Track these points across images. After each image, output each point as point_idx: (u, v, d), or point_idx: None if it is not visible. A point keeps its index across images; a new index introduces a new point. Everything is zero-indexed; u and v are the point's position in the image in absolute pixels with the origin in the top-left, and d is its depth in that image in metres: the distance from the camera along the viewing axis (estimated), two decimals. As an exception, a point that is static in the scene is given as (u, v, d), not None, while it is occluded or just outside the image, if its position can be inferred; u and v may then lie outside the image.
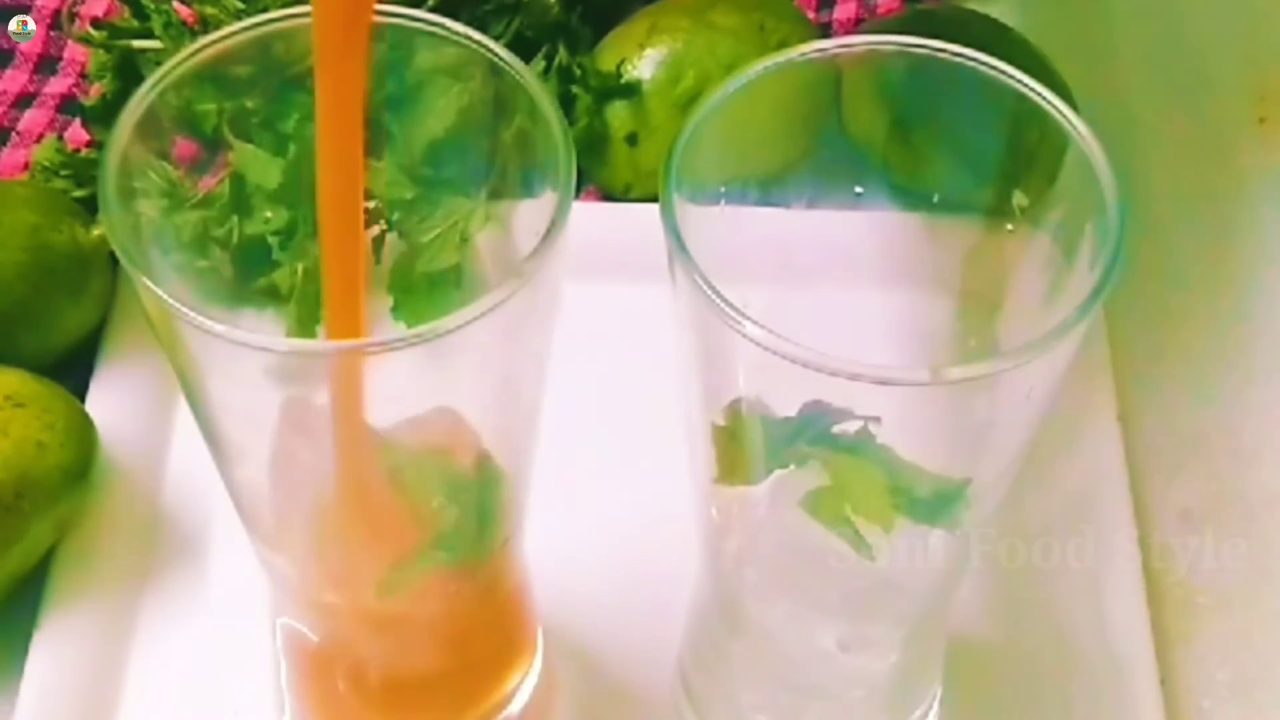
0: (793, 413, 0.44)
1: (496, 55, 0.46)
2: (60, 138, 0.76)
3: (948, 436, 0.47)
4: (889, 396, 0.43)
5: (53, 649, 0.61)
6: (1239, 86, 0.81)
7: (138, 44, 0.75)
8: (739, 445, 0.47)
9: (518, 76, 0.46)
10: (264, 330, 0.48)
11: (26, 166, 0.75)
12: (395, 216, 0.51)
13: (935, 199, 0.51)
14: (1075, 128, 0.45)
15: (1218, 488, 0.68)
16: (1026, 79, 0.46)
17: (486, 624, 0.56)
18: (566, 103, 0.75)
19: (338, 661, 0.57)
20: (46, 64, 0.81)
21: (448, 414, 0.46)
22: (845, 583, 0.49)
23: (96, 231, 0.68)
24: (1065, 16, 0.85)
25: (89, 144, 0.75)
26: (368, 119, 0.43)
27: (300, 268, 0.51)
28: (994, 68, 0.46)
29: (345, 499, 0.48)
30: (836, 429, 0.44)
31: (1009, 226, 0.48)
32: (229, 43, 0.46)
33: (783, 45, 0.75)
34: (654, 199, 0.44)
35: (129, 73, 0.75)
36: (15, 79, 0.81)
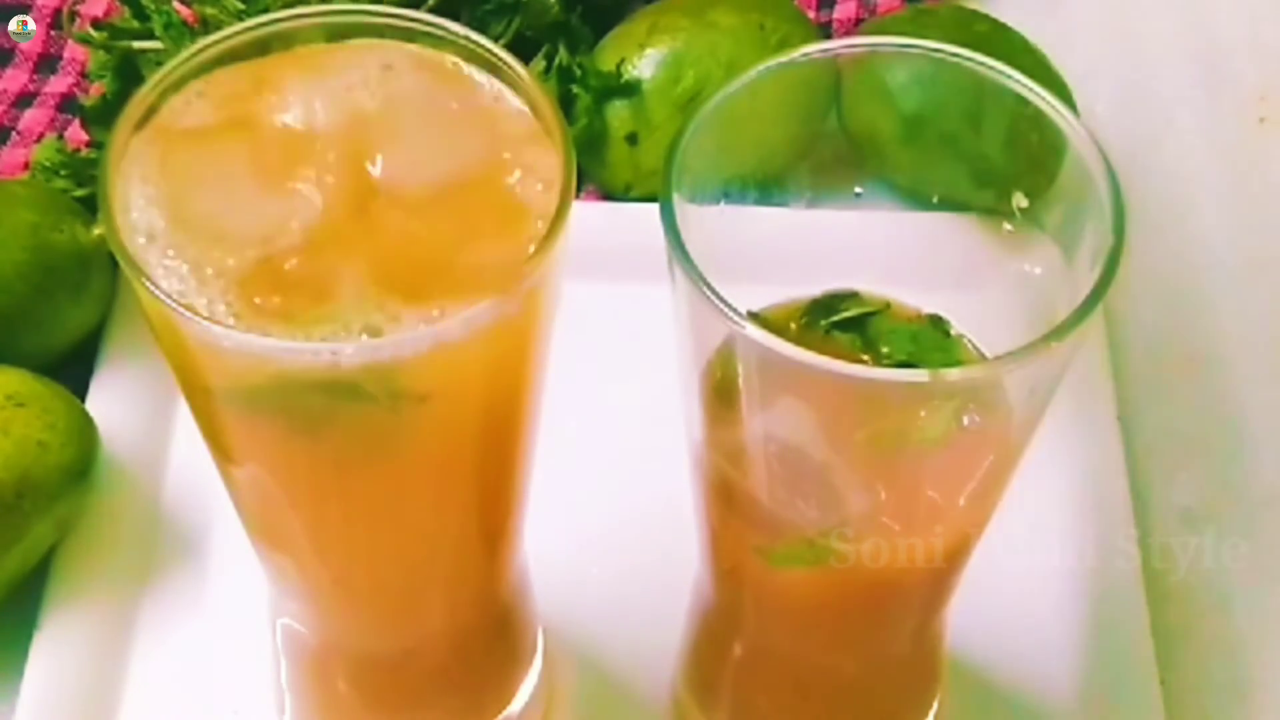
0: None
1: (496, 55, 0.47)
2: (60, 137, 0.76)
3: (951, 435, 0.47)
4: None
5: (53, 649, 0.61)
6: (1239, 87, 0.81)
7: (138, 44, 0.75)
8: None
9: (518, 76, 0.46)
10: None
11: (26, 166, 0.75)
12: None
13: (935, 199, 0.51)
14: (1074, 128, 0.45)
15: (1218, 488, 0.69)
16: (1026, 79, 0.46)
17: (487, 624, 0.56)
18: (566, 103, 0.75)
19: (338, 661, 0.57)
20: (46, 63, 0.81)
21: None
22: (844, 583, 0.49)
23: (96, 231, 0.68)
24: (1065, 16, 0.85)
25: (89, 144, 0.75)
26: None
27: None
28: (994, 68, 0.46)
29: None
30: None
31: (1009, 226, 0.48)
32: (229, 43, 0.46)
33: (783, 45, 0.75)
34: (654, 199, 0.44)
35: (129, 73, 0.75)
36: (15, 78, 0.81)
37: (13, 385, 0.62)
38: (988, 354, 0.49)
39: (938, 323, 0.48)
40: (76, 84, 0.80)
